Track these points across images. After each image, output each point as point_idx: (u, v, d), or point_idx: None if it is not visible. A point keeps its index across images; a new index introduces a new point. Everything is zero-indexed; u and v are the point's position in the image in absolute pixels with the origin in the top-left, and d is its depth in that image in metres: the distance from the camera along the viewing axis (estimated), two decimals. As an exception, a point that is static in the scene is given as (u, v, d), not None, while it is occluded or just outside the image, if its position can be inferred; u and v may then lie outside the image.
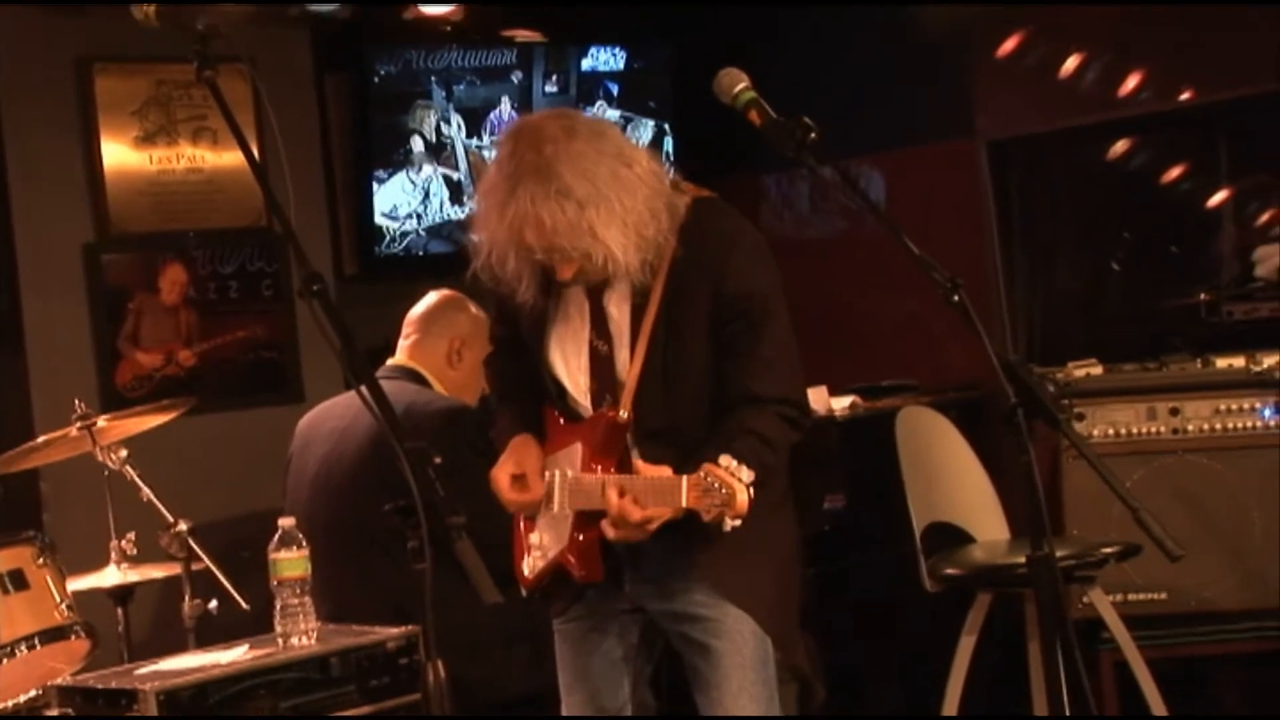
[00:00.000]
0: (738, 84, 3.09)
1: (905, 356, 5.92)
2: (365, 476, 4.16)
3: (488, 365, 3.62)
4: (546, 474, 3.29)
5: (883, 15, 5.89)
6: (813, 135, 2.95)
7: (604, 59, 6.30)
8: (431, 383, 4.37)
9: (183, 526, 4.32)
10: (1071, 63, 5.67)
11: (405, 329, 4.47)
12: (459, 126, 5.98)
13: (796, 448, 3.28)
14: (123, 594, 4.41)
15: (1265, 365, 4.96)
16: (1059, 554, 2.82)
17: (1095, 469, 2.82)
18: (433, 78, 5.91)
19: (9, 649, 4.00)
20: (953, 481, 4.99)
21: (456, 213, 5.95)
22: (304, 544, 3.54)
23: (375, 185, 5.84)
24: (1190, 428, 5.01)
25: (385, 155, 5.86)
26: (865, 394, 5.53)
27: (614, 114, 6.28)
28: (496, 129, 5.98)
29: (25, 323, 5.18)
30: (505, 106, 6.05)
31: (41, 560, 4.15)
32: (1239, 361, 5.00)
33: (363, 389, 2.63)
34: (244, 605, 4.36)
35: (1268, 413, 4.95)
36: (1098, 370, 5.15)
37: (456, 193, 5.98)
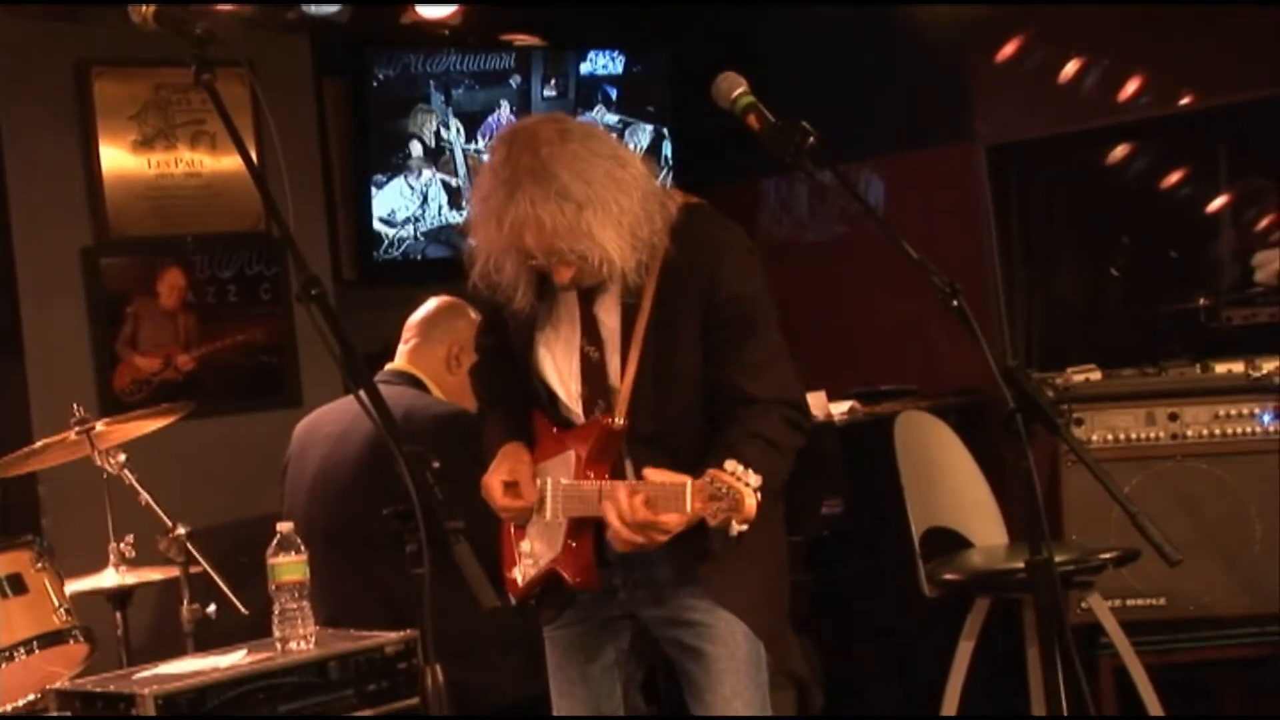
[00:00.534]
0: (736, 88, 3.08)
1: (904, 361, 5.92)
2: (363, 481, 4.16)
3: (473, 374, 3.58)
4: (538, 481, 3.26)
5: (882, 20, 5.89)
6: (811, 140, 2.95)
7: (603, 63, 6.29)
8: (430, 388, 4.37)
9: (181, 531, 4.31)
10: (1071, 68, 5.67)
11: (404, 334, 4.47)
12: (458, 131, 5.98)
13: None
14: (121, 597, 4.40)
15: (1264, 370, 4.97)
16: (1058, 559, 2.83)
17: (1094, 474, 2.82)
18: (431, 82, 5.90)
19: (7, 653, 3.99)
20: (951, 486, 4.99)
21: (455, 217, 5.94)
22: (302, 548, 3.53)
23: (374, 190, 5.83)
24: (1189, 433, 5.01)
25: (384, 160, 5.85)
26: (864, 399, 5.53)
27: (613, 118, 6.28)
28: (495, 133, 5.97)
29: (24, 327, 5.17)
30: (504, 111, 6.04)
31: (40, 564, 4.15)
32: (1238, 367, 5.01)
33: (361, 394, 2.63)
34: (242, 609, 4.36)
35: (1267, 418, 4.95)
36: (1096, 375, 5.16)
37: (455, 198, 5.97)
